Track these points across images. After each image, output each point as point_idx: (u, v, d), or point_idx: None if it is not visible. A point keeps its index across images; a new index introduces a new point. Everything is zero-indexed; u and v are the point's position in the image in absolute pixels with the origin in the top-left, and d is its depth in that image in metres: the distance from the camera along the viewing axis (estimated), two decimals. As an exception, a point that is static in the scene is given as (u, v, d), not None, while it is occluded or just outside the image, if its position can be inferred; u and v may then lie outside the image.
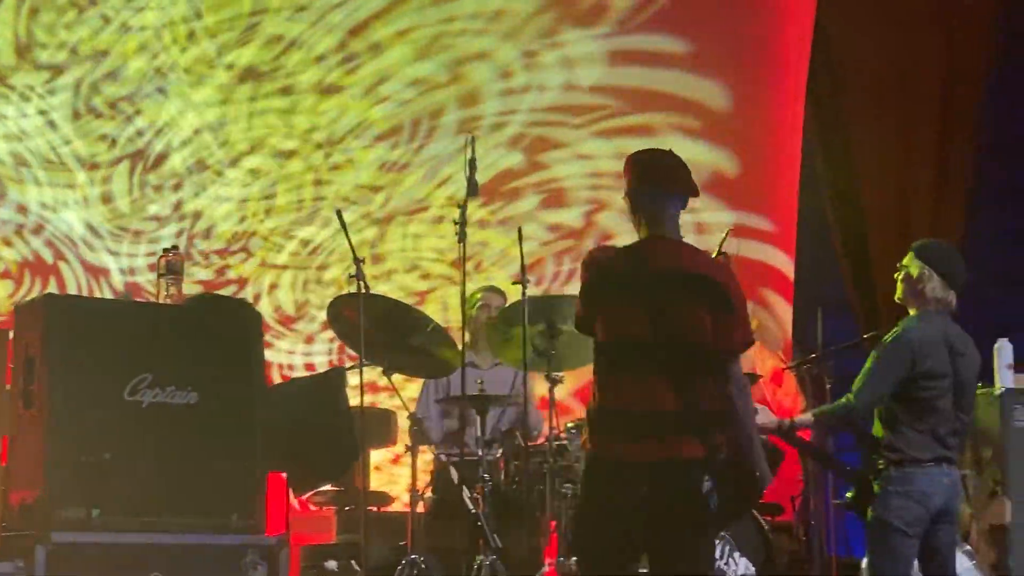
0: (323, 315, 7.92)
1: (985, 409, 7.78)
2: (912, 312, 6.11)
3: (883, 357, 5.98)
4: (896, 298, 6.19)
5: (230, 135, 9.84)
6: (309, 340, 9.83)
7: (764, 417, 5.92)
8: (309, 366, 9.69)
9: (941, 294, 6.08)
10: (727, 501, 4.92)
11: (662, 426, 4.84)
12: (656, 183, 5.04)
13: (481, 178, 7.01)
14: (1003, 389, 7.79)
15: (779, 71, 11.34)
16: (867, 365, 6.00)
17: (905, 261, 6.15)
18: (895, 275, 6.18)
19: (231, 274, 9.74)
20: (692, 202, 5.12)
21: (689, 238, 5.14)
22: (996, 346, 7.94)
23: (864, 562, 6.16)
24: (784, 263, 11.22)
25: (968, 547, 7.55)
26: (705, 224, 10.27)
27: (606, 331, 4.95)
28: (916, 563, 5.99)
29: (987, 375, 7.93)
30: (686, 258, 5.00)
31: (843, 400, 5.98)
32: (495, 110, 10.48)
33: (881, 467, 5.93)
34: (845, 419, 6.01)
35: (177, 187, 9.67)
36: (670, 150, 5.16)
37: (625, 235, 5.46)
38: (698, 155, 10.63)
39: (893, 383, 5.92)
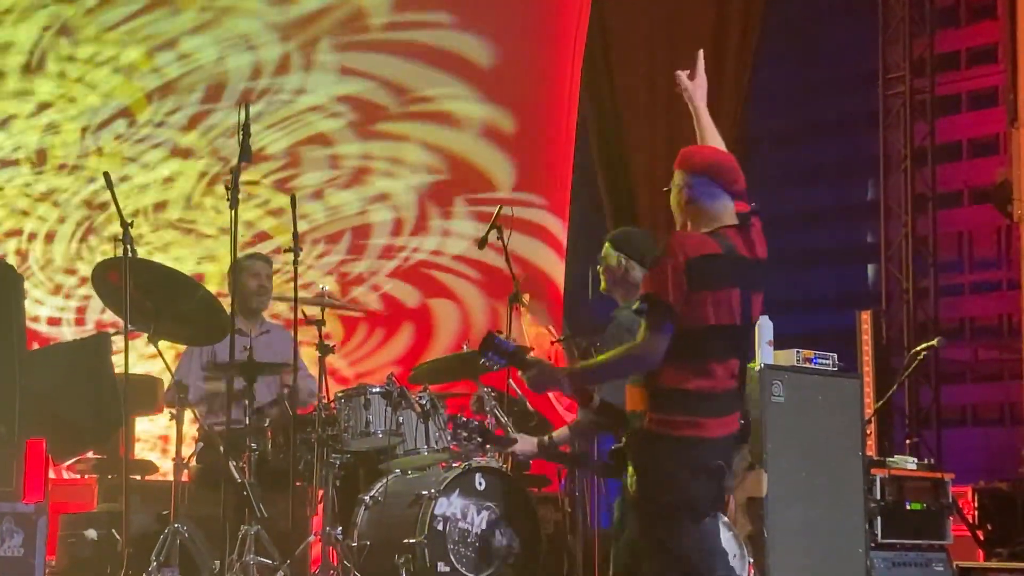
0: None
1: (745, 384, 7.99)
2: (621, 302, 6.29)
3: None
4: (601, 289, 6.35)
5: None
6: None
7: (525, 446, 6.25)
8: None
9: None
10: None
11: (734, 403, 5.02)
12: (723, 179, 5.11)
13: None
14: (762, 365, 7.99)
15: (554, 40, 11.49)
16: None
17: (603, 253, 6.30)
18: (598, 267, 6.34)
19: None
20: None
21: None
22: (757, 323, 8.15)
23: None
24: (559, 231, 11.38)
25: (726, 519, 7.75)
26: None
27: (707, 316, 4.92)
28: None
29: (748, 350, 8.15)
30: (758, 245, 5.12)
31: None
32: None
33: None
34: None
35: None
36: (729, 153, 5.24)
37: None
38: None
39: None
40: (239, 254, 7.68)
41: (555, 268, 11.22)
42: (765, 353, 8.07)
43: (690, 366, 4.92)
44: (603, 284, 6.31)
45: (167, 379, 7.73)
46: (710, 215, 5.07)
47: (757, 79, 11.72)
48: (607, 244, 6.30)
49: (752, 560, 7.59)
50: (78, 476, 8.16)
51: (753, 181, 11.79)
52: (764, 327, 8.12)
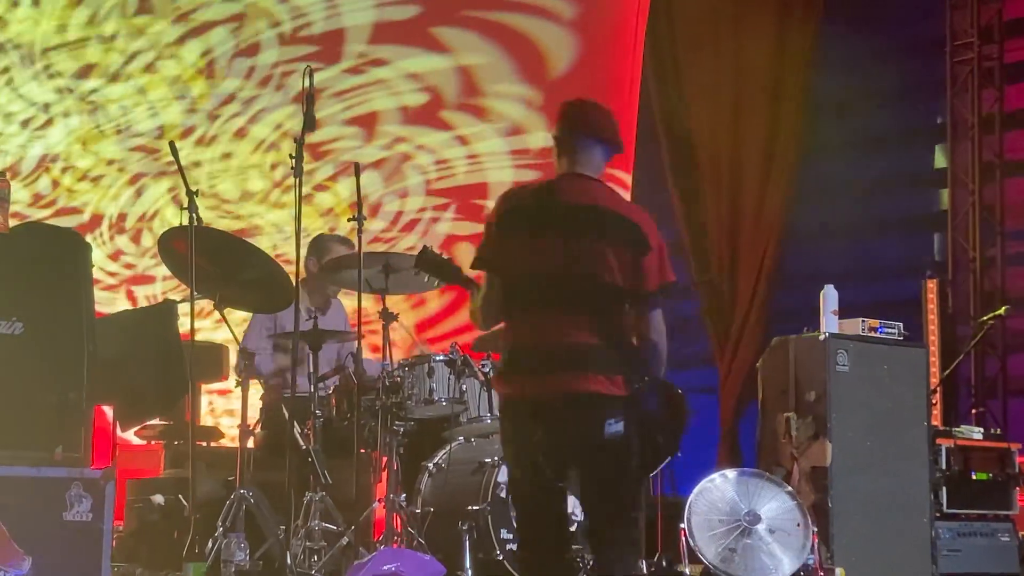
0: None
1: (809, 353, 7.97)
2: None
3: None
4: None
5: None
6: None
7: None
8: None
9: None
10: (651, 444, 4.94)
11: (575, 360, 4.80)
12: (583, 128, 5.02)
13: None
14: (827, 334, 7.96)
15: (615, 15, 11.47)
16: None
17: None
18: None
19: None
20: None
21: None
22: (822, 292, 8.11)
23: None
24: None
25: (790, 488, 7.74)
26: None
27: (517, 264, 4.90)
28: None
29: (812, 320, 8.11)
30: (603, 196, 4.95)
31: None
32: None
33: None
34: None
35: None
36: (602, 105, 5.13)
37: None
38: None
39: None
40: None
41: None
42: (830, 322, 8.04)
43: (508, 320, 4.98)
44: None
45: (231, 347, 7.79)
46: (570, 162, 5.01)
47: (821, 46, 11.62)
48: None
49: (816, 529, 7.58)
50: (145, 442, 8.24)
51: (818, 149, 11.75)
52: (829, 296, 8.09)
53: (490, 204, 10.46)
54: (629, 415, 4.81)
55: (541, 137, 10.89)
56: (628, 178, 11.38)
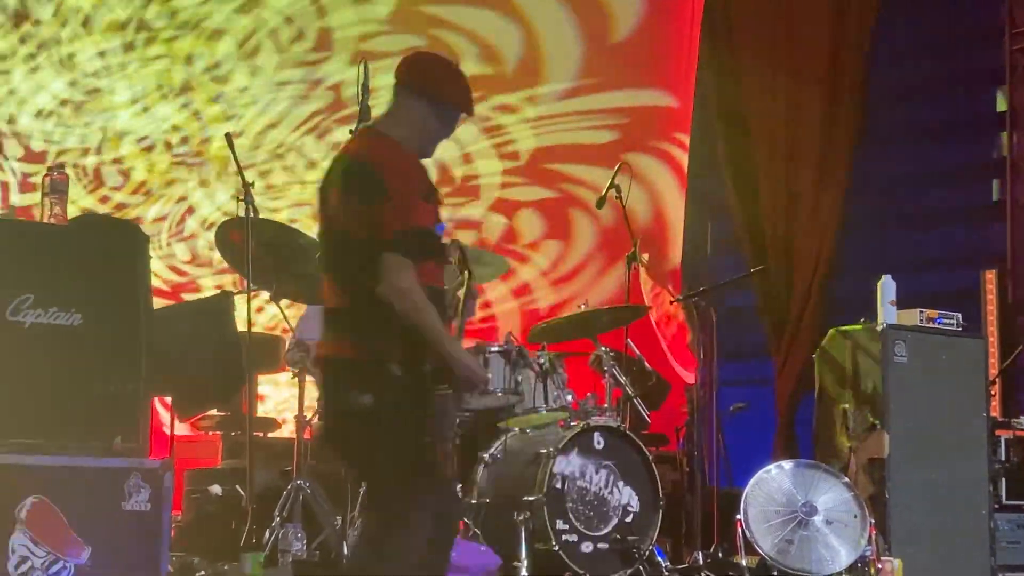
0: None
1: (867, 344, 7.92)
2: None
3: None
4: None
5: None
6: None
7: None
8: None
9: None
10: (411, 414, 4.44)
11: (328, 324, 4.56)
12: (405, 82, 4.64)
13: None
14: (885, 325, 7.91)
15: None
16: None
17: None
18: None
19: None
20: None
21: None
22: (880, 282, 8.06)
23: None
24: (677, 198, 11.35)
25: (847, 479, 7.70)
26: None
27: None
28: None
29: (870, 311, 8.06)
30: (363, 149, 4.61)
31: None
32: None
33: None
34: None
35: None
36: (448, 61, 4.74)
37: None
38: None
39: None
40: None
41: (670, 237, 11.18)
42: (888, 313, 7.98)
43: None
44: None
45: (288, 338, 7.82)
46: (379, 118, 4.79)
47: (878, 35, 11.53)
48: None
49: (873, 521, 7.54)
50: (202, 433, 8.29)
51: (875, 139, 11.63)
52: (887, 286, 8.04)
53: (555, 167, 10.52)
54: (379, 385, 4.41)
55: (603, 99, 10.87)
56: (684, 163, 11.37)
